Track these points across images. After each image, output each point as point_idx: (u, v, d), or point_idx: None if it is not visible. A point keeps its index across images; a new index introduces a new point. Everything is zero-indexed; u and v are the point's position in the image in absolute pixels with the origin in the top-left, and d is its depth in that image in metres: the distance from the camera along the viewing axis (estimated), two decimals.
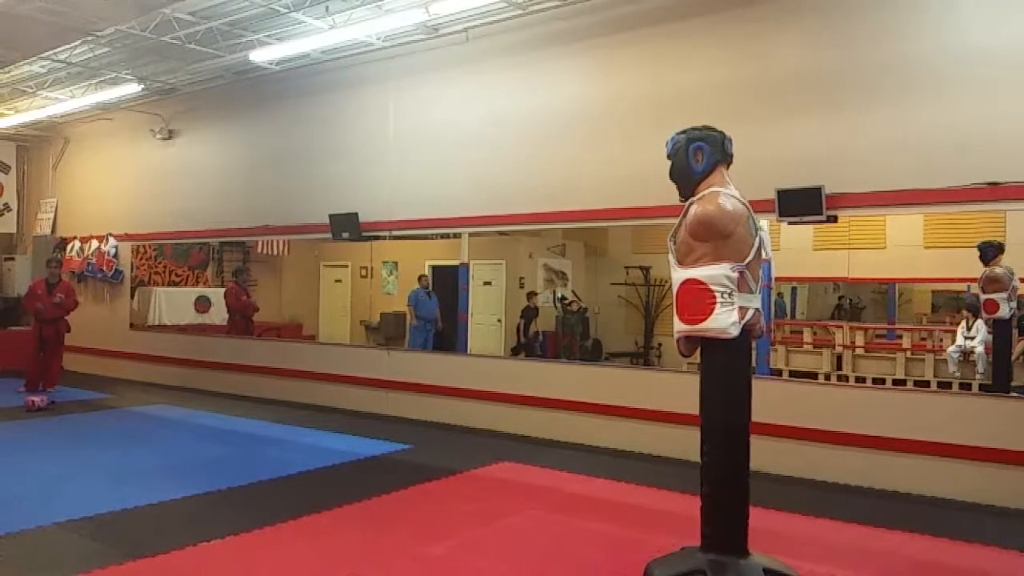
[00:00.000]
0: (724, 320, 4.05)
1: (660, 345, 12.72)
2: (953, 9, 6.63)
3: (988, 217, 8.53)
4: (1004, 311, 7.79)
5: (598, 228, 11.98)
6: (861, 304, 11.85)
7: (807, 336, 11.22)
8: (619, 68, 8.41)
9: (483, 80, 9.44)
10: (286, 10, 9.16)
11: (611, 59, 8.47)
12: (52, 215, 15.44)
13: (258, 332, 13.05)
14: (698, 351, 4.29)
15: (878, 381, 9.34)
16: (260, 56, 10.22)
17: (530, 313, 12.78)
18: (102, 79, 12.09)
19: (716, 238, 4.11)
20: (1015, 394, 7.23)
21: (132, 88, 11.99)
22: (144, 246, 14.15)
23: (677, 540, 4.65)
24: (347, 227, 10.34)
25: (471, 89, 9.55)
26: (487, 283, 12.80)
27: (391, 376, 10.04)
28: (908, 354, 9.93)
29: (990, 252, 7.92)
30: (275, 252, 14.22)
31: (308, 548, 4.86)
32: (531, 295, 12.91)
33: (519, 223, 9.37)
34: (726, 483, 4.19)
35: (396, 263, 14.63)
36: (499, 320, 12.91)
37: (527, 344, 12.61)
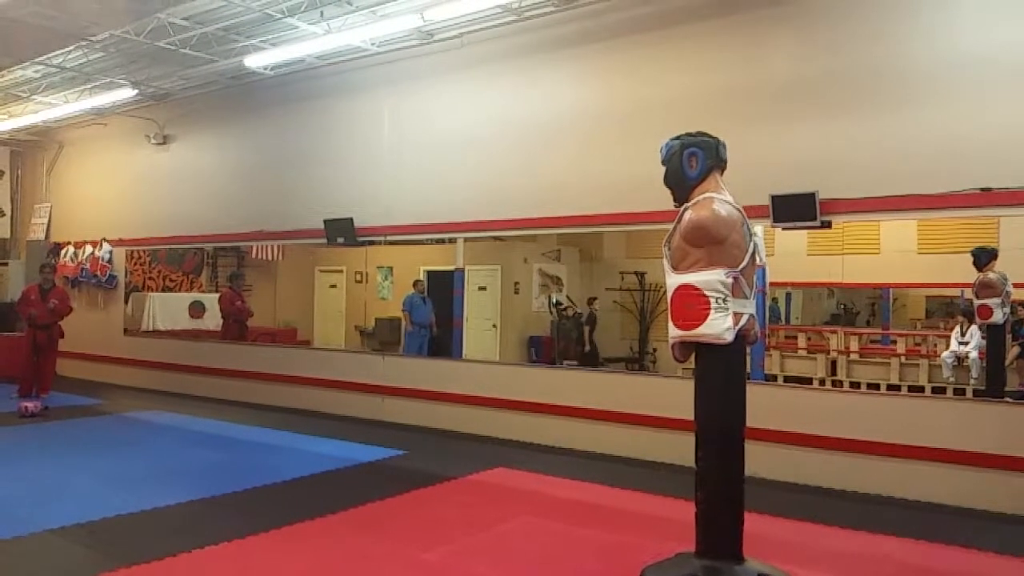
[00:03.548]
0: (718, 326, 4.06)
1: (655, 350, 12.71)
2: (946, 15, 6.67)
3: (982, 223, 8.57)
4: (998, 316, 7.82)
5: (593, 233, 11.99)
6: (856, 309, 11.88)
7: (801, 341, 11.24)
8: (614, 74, 8.42)
9: (478, 85, 9.45)
10: (281, 15, 9.17)
11: (606, 65, 8.49)
12: (46, 220, 15.39)
13: (253, 337, 13.02)
14: (693, 356, 4.30)
15: (872, 386, 9.35)
16: (255, 61, 10.22)
17: (592, 320, 12.72)
18: (96, 84, 12.08)
19: (710, 244, 4.12)
20: (1009, 399, 7.25)
21: (127, 93, 11.98)
22: (138, 251, 14.12)
23: (672, 546, 4.65)
24: (342, 232, 10.33)
25: (466, 94, 9.55)
26: (482, 288, 12.80)
27: (386, 381, 10.02)
28: (902, 359, 9.95)
29: (984, 258, 7.94)
30: (270, 257, 14.17)
31: (302, 555, 4.84)
32: (591, 300, 12.87)
33: (514, 228, 9.36)
34: (721, 488, 4.19)
35: (391, 268, 14.61)
36: (494, 325, 12.89)
37: (591, 352, 12.53)
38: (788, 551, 4.96)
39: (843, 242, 10.59)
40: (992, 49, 6.34)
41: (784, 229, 7.56)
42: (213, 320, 13.60)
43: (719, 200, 4.21)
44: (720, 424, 4.23)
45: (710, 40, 7.78)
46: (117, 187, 14.00)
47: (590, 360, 12.30)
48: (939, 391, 9.03)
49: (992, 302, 7.82)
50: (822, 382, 10.03)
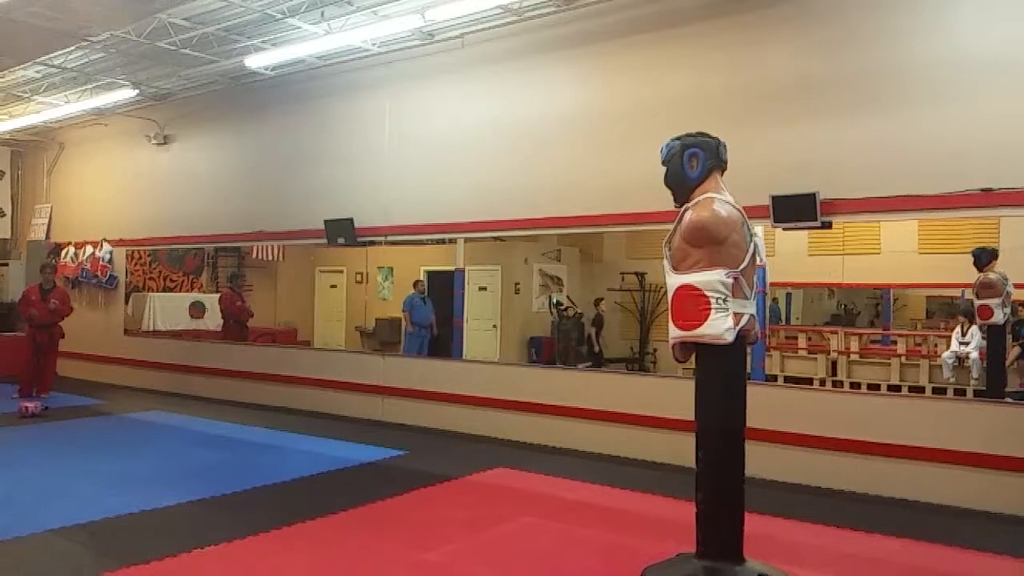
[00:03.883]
0: (719, 326, 4.06)
1: (655, 351, 12.72)
2: (946, 15, 6.66)
3: (982, 223, 8.57)
4: (998, 317, 7.82)
5: (593, 234, 12.00)
6: (856, 309, 11.89)
7: (802, 342, 11.24)
8: (614, 74, 8.42)
9: (479, 86, 9.45)
10: (282, 15, 9.16)
11: (606, 65, 8.49)
12: (46, 220, 15.40)
13: (253, 338, 13.02)
14: (693, 357, 4.30)
15: (873, 387, 9.35)
16: (255, 62, 10.22)
17: (599, 321, 12.73)
18: (97, 84, 12.09)
19: (711, 244, 4.12)
20: (1009, 400, 7.25)
21: (127, 93, 11.98)
22: (139, 251, 14.12)
23: (673, 546, 4.65)
24: (342, 232, 10.33)
25: (467, 95, 9.55)
26: (482, 288, 12.80)
27: (386, 382, 10.02)
28: (903, 360, 9.95)
29: (984, 258, 7.95)
30: (270, 257, 14.19)
31: (303, 555, 4.84)
32: (598, 301, 12.87)
33: (515, 228, 9.36)
34: (721, 489, 4.19)
35: (391, 268, 14.62)
36: (495, 326, 12.89)
37: (600, 354, 12.51)
38: (788, 551, 4.96)
39: (843, 242, 10.59)
40: (992, 49, 6.34)
41: (784, 229, 7.56)
42: (213, 320, 13.60)
43: (719, 200, 4.21)
44: (720, 424, 4.23)
45: (710, 40, 7.77)
46: (117, 187, 14.00)
47: (598, 362, 12.31)
48: (940, 391, 9.04)
49: (993, 302, 7.82)
50: (822, 382, 10.03)
